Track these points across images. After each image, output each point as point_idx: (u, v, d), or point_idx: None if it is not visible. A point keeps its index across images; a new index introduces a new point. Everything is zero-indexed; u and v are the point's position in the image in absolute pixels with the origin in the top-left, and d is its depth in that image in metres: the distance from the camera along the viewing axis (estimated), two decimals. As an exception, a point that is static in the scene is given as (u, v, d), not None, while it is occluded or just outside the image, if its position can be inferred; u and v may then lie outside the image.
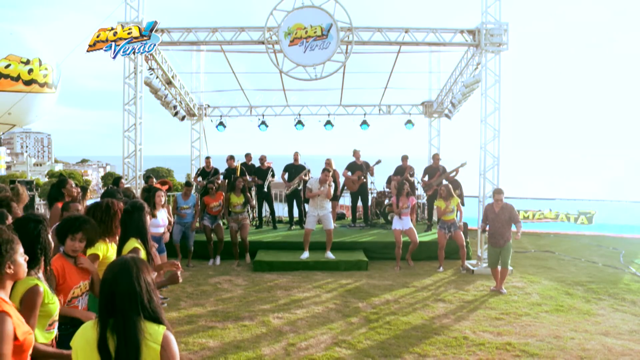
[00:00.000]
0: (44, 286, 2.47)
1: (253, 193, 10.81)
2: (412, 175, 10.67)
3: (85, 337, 1.90)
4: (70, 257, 3.09)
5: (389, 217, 11.26)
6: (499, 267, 6.95)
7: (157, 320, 1.90)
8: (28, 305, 2.36)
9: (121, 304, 1.85)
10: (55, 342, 2.66)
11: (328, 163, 11.01)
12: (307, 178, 10.34)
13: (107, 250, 3.55)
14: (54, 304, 2.54)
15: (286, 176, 10.90)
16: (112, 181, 8.56)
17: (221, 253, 8.67)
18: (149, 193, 6.89)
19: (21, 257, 2.18)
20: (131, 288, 1.87)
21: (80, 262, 3.10)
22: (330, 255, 8.33)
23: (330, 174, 8.62)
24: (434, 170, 10.60)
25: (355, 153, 11.15)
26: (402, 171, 10.78)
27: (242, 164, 10.78)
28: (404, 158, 10.96)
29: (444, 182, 9.70)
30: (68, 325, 2.79)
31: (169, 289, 6.91)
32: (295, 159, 10.86)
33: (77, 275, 3.06)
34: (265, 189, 10.75)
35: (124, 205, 3.69)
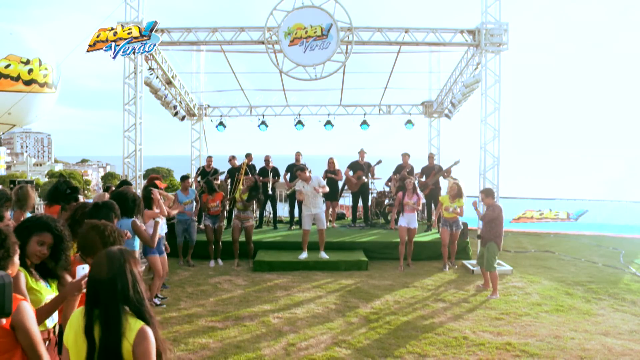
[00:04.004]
0: (24, 272, 2.47)
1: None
2: (409, 174, 10.65)
3: (75, 323, 1.93)
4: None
5: (389, 217, 11.26)
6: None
7: (140, 313, 1.89)
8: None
9: (104, 295, 1.85)
10: (56, 336, 2.65)
11: (331, 162, 11.02)
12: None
13: None
14: (40, 291, 2.54)
15: (288, 177, 10.89)
16: (119, 184, 8.54)
17: (221, 253, 8.62)
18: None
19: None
20: (114, 279, 1.86)
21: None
22: (323, 255, 8.27)
23: (307, 172, 8.35)
24: (430, 169, 10.62)
25: (360, 153, 11.16)
26: (402, 169, 10.79)
27: (248, 164, 10.72)
28: (404, 155, 10.94)
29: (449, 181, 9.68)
30: None
31: (169, 289, 6.92)
32: (297, 159, 10.85)
33: None
34: (270, 191, 10.74)
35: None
